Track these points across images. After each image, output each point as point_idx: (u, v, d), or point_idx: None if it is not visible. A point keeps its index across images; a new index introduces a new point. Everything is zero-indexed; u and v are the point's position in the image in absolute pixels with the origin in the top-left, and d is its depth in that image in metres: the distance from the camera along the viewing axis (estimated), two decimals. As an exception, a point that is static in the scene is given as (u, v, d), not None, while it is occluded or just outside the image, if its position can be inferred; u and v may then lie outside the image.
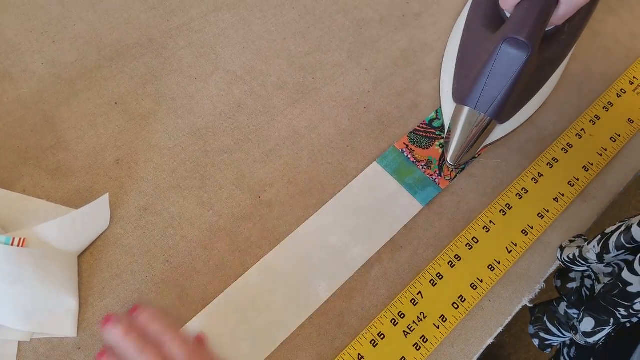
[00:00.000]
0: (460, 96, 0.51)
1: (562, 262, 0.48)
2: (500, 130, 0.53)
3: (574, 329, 0.52)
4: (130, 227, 0.48)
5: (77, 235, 0.45)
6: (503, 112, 0.49)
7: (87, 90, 0.53)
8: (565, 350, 0.64)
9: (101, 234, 0.47)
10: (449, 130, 0.52)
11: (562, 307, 0.60)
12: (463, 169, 0.53)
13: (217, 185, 0.50)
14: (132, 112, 0.53)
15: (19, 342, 0.43)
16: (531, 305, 0.51)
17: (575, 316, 0.57)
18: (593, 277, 0.50)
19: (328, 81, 0.56)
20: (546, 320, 0.62)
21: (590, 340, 0.47)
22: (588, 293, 0.53)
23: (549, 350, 0.65)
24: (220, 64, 0.56)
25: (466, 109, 0.50)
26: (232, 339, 0.45)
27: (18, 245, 0.40)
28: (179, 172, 0.51)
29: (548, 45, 0.51)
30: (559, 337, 0.61)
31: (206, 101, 0.54)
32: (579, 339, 0.50)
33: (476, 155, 0.53)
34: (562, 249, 0.49)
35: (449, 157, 0.51)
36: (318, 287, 0.47)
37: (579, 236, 0.51)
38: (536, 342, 0.65)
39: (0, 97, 0.52)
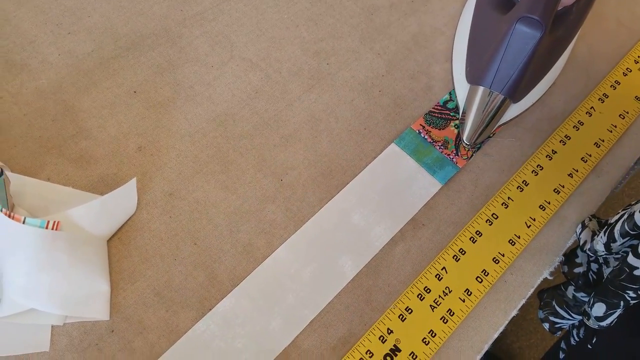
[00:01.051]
0: (475, 77, 0.52)
1: (579, 240, 0.50)
2: (513, 110, 0.54)
3: (585, 315, 0.53)
4: (156, 212, 0.48)
5: (107, 219, 0.45)
6: (517, 91, 0.51)
7: (105, 80, 0.54)
8: (574, 332, 0.65)
9: (128, 220, 0.48)
10: (464, 111, 0.53)
11: (570, 291, 0.61)
12: (479, 148, 0.54)
13: (240, 169, 0.51)
14: (151, 100, 0.53)
15: (52, 326, 0.43)
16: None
17: (584, 299, 0.59)
18: (601, 260, 0.51)
19: (342, 66, 0.57)
20: (555, 305, 0.63)
21: (603, 323, 0.48)
22: (595, 277, 0.55)
23: (559, 333, 0.66)
24: (235, 52, 0.57)
25: (481, 89, 0.51)
26: (263, 317, 0.45)
27: (52, 229, 0.40)
28: (201, 158, 0.51)
29: (558, 25, 0.52)
30: (569, 319, 0.63)
31: (224, 88, 0.55)
32: (592, 323, 0.51)
33: (491, 135, 0.54)
34: (583, 225, 0.50)
35: (465, 137, 0.52)
36: (344, 265, 0.48)
37: (594, 216, 0.52)
38: (546, 326, 0.66)
39: (19, 88, 0.52)
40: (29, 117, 0.51)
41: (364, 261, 0.48)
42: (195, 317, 0.45)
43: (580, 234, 0.50)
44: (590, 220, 0.51)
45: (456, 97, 0.56)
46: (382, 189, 0.51)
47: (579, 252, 0.57)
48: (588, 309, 0.51)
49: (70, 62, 0.54)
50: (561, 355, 0.73)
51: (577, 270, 0.57)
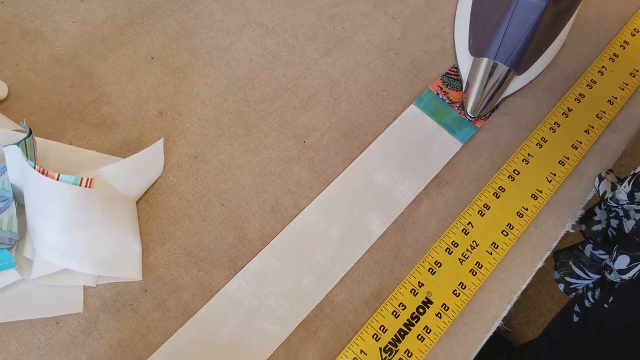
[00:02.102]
0: (479, 48, 0.53)
1: (598, 192, 0.50)
2: (517, 82, 0.55)
3: (607, 268, 0.54)
4: (182, 175, 0.48)
5: (137, 178, 0.45)
6: (522, 62, 0.52)
7: (121, 47, 0.53)
8: (589, 294, 0.66)
9: (154, 183, 0.47)
10: (468, 84, 0.53)
11: (588, 249, 0.62)
12: (497, 108, 0.54)
13: (262, 132, 0.51)
14: (169, 66, 0.53)
15: (85, 288, 0.43)
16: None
17: (602, 257, 0.60)
18: (621, 214, 0.52)
19: (357, 30, 0.57)
20: (572, 264, 0.64)
21: (626, 276, 0.49)
22: (615, 233, 0.55)
23: (573, 294, 0.67)
24: (250, 18, 0.56)
25: (484, 61, 0.52)
26: (294, 275, 0.45)
27: (86, 186, 0.40)
28: (223, 122, 0.51)
29: None
30: (585, 279, 0.64)
31: (241, 53, 0.54)
32: (613, 277, 0.52)
33: (495, 107, 0.54)
34: (600, 178, 0.51)
35: (469, 110, 0.53)
36: (371, 223, 0.48)
37: (611, 170, 0.53)
38: (561, 287, 0.67)
39: (34, 56, 0.51)
40: (47, 84, 0.50)
41: (390, 219, 0.49)
42: (227, 275, 0.45)
43: (598, 186, 0.51)
44: (608, 173, 0.51)
45: (460, 70, 0.56)
46: (404, 149, 0.52)
47: (597, 209, 0.58)
48: (610, 263, 0.52)
49: (84, 30, 0.53)
50: (575, 318, 0.74)
51: (595, 228, 0.58)
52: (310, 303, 0.45)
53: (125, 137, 0.49)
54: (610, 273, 0.53)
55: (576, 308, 0.74)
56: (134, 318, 0.42)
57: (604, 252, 0.59)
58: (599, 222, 0.58)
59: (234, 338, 0.42)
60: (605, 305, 0.65)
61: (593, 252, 0.61)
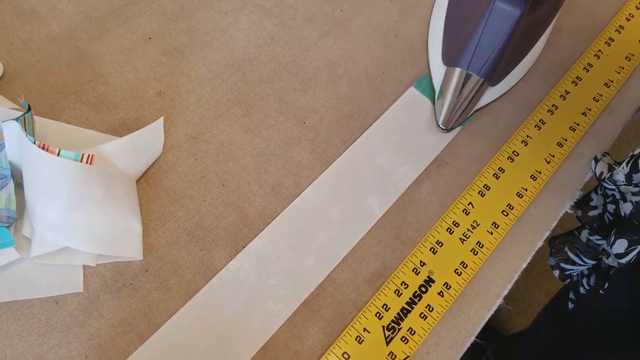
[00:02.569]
0: (452, 58, 0.50)
1: (595, 173, 0.51)
2: (492, 93, 0.52)
3: (604, 253, 0.54)
4: (182, 155, 0.47)
5: (136, 157, 0.44)
6: (495, 73, 0.49)
7: (118, 27, 0.52)
8: (584, 280, 0.66)
9: (154, 163, 0.47)
10: (440, 94, 0.51)
11: (584, 235, 0.62)
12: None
13: (262, 113, 0.51)
14: (167, 47, 0.52)
15: (84, 267, 0.42)
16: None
17: (598, 242, 0.60)
18: (618, 197, 0.52)
19: (356, 13, 0.57)
20: (567, 251, 0.64)
21: (623, 260, 0.50)
22: (611, 218, 0.56)
23: (569, 280, 0.68)
24: (248, -1, 0.56)
25: (457, 71, 0.50)
26: (296, 254, 0.45)
27: (87, 162, 0.39)
28: (222, 102, 0.50)
29: (538, 4, 0.50)
30: (581, 265, 0.64)
31: (239, 34, 0.54)
32: (611, 261, 0.52)
33: (468, 118, 0.53)
34: (596, 160, 0.51)
35: (440, 121, 0.51)
36: (372, 204, 0.48)
37: (607, 153, 0.53)
38: (557, 273, 0.67)
39: (29, 35, 0.51)
40: (43, 64, 0.50)
41: (391, 200, 0.49)
42: (229, 255, 0.44)
43: (595, 167, 0.51)
44: (604, 155, 0.52)
45: (432, 77, 0.54)
46: (404, 131, 0.52)
47: (593, 195, 0.58)
48: (607, 247, 0.52)
49: (80, 9, 0.53)
50: (570, 306, 0.74)
51: (591, 213, 0.58)
52: (313, 282, 0.44)
53: (123, 117, 0.48)
54: (607, 257, 0.53)
55: (571, 295, 0.74)
56: (135, 297, 0.42)
57: (600, 238, 0.59)
58: (595, 207, 0.58)
59: (236, 317, 0.42)
60: (601, 292, 0.65)
61: (589, 237, 0.61)
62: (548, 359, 0.91)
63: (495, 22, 0.46)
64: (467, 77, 0.50)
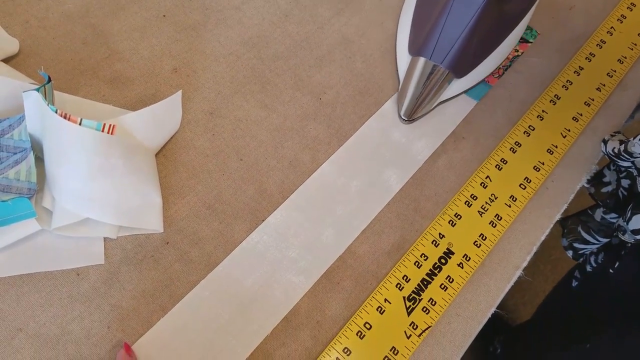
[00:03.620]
0: (416, 47, 0.49)
1: (607, 155, 0.51)
2: (458, 86, 0.51)
3: (620, 229, 0.54)
4: (199, 130, 0.47)
5: (156, 129, 0.44)
6: (459, 64, 0.48)
7: (132, 4, 0.52)
8: (592, 258, 0.66)
9: (171, 138, 0.47)
10: (403, 83, 0.50)
11: (599, 214, 0.62)
12: (509, 66, 0.55)
13: (277, 89, 0.50)
14: (181, 24, 0.52)
15: (105, 240, 0.42)
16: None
17: (613, 220, 0.60)
18: (635, 173, 0.52)
19: (369, -9, 0.57)
20: (580, 230, 0.64)
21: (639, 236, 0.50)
22: (625, 194, 0.56)
23: (582, 259, 0.67)
24: (261, -22, 0.56)
25: (421, 61, 0.49)
26: (315, 227, 0.45)
27: (108, 132, 0.39)
28: (238, 79, 0.50)
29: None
30: (594, 244, 0.64)
31: (253, 12, 0.54)
32: (627, 237, 0.52)
33: (431, 109, 0.51)
34: (605, 142, 0.51)
35: (402, 111, 0.49)
36: (389, 179, 0.48)
37: (617, 132, 0.53)
38: (570, 253, 0.67)
39: (45, 13, 0.50)
40: (58, 41, 0.49)
41: (408, 174, 0.49)
42: (249, 228, 0.44)
43: (605, 148, 0.51)
44: (613, 135, 0.52)
45: (397, 67, 0.53)
46: (420, 106, 0.51)
47: (605, 171, 0.58)
48: (624, 224, 0.52)
49: (94, -12, 0.53)
50: (574, 284, 0.74)
51: (605, 190, 0.58)
52: (332, 255, 0.44)
53: (140, 93, 0.48)
54: (623, 234, 0.53)
55: (576, 273, 0.74)
56: (156, 269, 0.42)
57: (616, 216, 0.59)
58: (609, 183, 0.58)
59: (257, 289, 0.42)
60: (611, 271, 0.65)
61: (604, 216, 0.61)
62: (555, 345, 0.91)
63: (459, 10, 0.45)
64: (432, 68, 0.48)
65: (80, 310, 0.40)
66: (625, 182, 0.55)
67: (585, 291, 0.76)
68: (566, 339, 0.86)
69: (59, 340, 0.39)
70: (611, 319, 0.67)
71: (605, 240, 0.63)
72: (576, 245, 0.66)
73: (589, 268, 0.68)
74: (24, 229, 0.39)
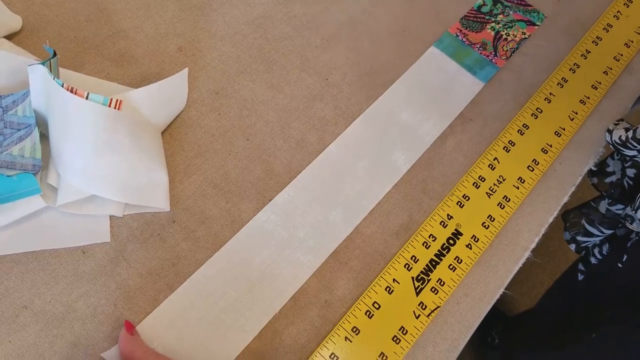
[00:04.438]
0: None
1: (613, 144, 0.50)
2: None
3: (627, 218, 0.54)
4: (205, 110, 0.47)
5: (162, 105, 0.43)
6: None
7: (136, -17, 0.51)
8: (596, 250, 0.66)
9: (177, 117, 0.46)
10: None
11: (603, 205, 0.61)
12: (517, 48, 0.54)
13: (284, 69, 0.50)
14: (186, 2, 0.51)
15: (111, 218, 0.41)
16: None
17: (619, 212, 0.59)
18: None
19: (375, -28, 0.56)
20: (584, 223, 0.64)
21: None
22: (631, 183, 0.55)
23: (584, 252, 0.67)
24: (267, -42, 0.55)
25: None
26: (323, 207, 0.44)
27: (115, 107, 0.38)
28: (244, 59, 0.50)
29: None
30: (598, 236, 0.63)
31: (259, -8, 0.53)
32: (635, 226, 0.52)
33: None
34: (610, 131, 0.51)
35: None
36: (397, 159, 0.48)
37: (621, 120, 0.53)
38: (573, 247, 0.67)
39: (47, -10, 0.50)
40: (61, 18, 0.49)
41: (416, 155, 0.48)
42: (256, 208, 0.44)
43: (611, 137, 0.50)
44: (617, 124, 0.51)
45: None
46: (427, 89, 0.51)
47: (609, 160, 0.58)
48: (632, 212, 0.52)
49: (98, -34, 0.52)
50: (580, 277, 0.74)
51: (608, 180, 0.58)
52: (341, 234, 0.44)
53: (144, 71, 0.47)
54: (631, 223, 0.53)
55: (580, 266, 0.74)
56: (163, 248, 0.41)
57: (621, 207, 0.58)
58: (613, 173, 0.57)
59: (265, 268, 0.41)
60: (619, 265, 0.65)
61: (609, 207, 0.60)
62: (554, 337, 0.91)
63: None
64: None
65: (86, 288, 0.39)
66: (630, 172, 0.55)
67: (591, 285, 0.76)
68: (565, 333, 0.86)
69: (65, 318, 0.38)
70: (619, 312, 0.67)
71: (609, 232, 0.63)
72: (579, 238, 0.66)
73: (593, 260, 0.68)
74: (29, 205, 0.39)
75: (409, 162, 0.48)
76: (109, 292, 0.39)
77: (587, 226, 0.63)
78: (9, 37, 0.46)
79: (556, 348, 0.82)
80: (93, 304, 0.39)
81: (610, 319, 0.70)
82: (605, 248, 0.65)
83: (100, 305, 0.39)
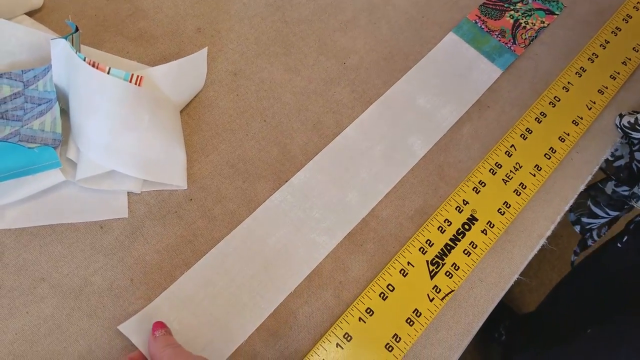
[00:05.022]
0: None
1: (621, 127, 0.50)
2: None
3: (634, 197, 0.54)
4: (223, 91, 0.47)
5: (181, 83, 0.43)
6: None
7: (156, -36, 0.52)
8: (595, 232, 0.66)
9: (195, 97, 0.46)
10: None
11: (610, 187, 0.61)
12: (536, 37, 0.54)
13: (302, 52, 0.50)
14: (206, -16, 0.51)
15: (129, 194, 0.42)
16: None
17: (624, 193, 0.59)
18: None
19: (395, -42, 0.56)
20: (590, 204, 0.64)
21: None
22: None
23: (588, 234, 0.67)
24: (286, -58, 0.55)
25: None
26: (339, 189, 0.44)
27: (136, 84, 0.39)
28: (262, 41, 0.50)
29: None
30: (604, 217, 0.63)
31: (278, -25, 0.53)
32: None
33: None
34: (621, 116, 0.50)
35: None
36: (414, 144, 0.48)
37: (637, 112, 0.53)
38: (577, 228, 0.66)
39: (68, -31, 0.50)
40: (82, -3, 0.49)
41: (432, 140, 0.48)
42: (272, 188, 0.44)
43: (620, 121, 0.50)
44: (630, 114, 0.51)
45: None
46: (444, 75, 0.51)
47: (617, 144, 0.58)
48: (638, 190, 0.52)
49: (118, -54, 0.52)
50: (573, 258, 0.74)
51: (617, 163, 0.58)
52: (356, 216, 0.44)
53: (163, 51, 0.48)
54: (637, 201, 0.53)
55: (576, 248, 0.73)
56: (180, 225, 0.41)
57: (627, 189, 0.58)
58: (621, 157, 0.57)
59: (281, 247, 0.42)
60: (619, 245, 0.64)
61: (615, 189, 0.60)
62: (563, 330, 0.91)
63: None
64: None
65: (103, 263, 0.39)
66: (639, 155, 0.55)
67: (586, 267, 0.75)
68: (569, 331, 0.86)
69: (82, 291, 0.38)
70: (619, 297, 0.66)
71: (615, 213, 0.63)
72: (584, 219, 0.66)
73: (590, 242, 0.67)
74: (48, 179, 0.39)
75: (425, 147, 0.48)
76: (125, 267, 0.39)
77: (592, 207, 0.63)
78: (30, 14, 0.47)
79: (549, 347, 0.82)
80: (110, 278, 0.39)
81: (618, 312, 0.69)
82: (604, 230, 0.65)
83: (116, 280, 0.39)
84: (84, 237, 0.40)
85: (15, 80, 0.42)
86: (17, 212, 0.39)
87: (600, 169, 0.57)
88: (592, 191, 0.63)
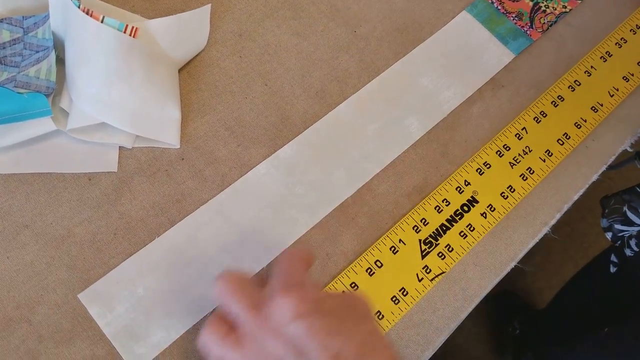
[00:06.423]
0: None
1: None
2: None
3: None
4: (226, 51, 0.46)
5: (181, 40, 0.42)
6: None
7: None
8: (632, 242, 0.63)
9: (196, 55, 0.45)
10: None
11: None
12: (555, 22, 0.51)
13: (311, 17, 0.48)
14: (219, -57, 0.50)
15: (120, 149, 0.41)
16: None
17: None
18: None
19: None
20: (626, 210, 0.60)
21: None
22: None
23: (619, 242, 0.64)
24: None
25: None
26: (326, 167, 0.43)
27: (130, 35, 0.38)
28: (271, 2, 0.48)
29: None
30: (639, 225, 0.60)
31: (295, -63, 0.51)
32: None
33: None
34: None
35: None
36: (411, 125, 0.46)
37: None
38: (609, 235, 0.63)
39: None
40: (92, -52, 0.48)
41: (431, 123, 0.46)
42: (266, 154, 0.43)
43: None
44: None
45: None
46: (452, 55, 0.49)
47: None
48: None
49: None
50: (613, 269, 0.71)
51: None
52: (340, 196, 0.42)
53: (169, 6, 0.47)
54: None
55: (613, 258, 0.71)
56: (169, 184, 0.41)
57: None
58: None
59: (261, 220, 0.40)
60: None
61: None
62: (578, 328, 0.89)
63: None
64: None
65: (88, 215, 0.39)
66: None
67: (625, 277, 0.72)
68: (585, 326, 0.83)
69: (64, 241, 0.38)
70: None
71: None
72: (617, 226, 0.63)
73: (628, 252, 0.64)
74: (39, 126, 0.39)
75: (422, 129, 0.46)
76: (110, 221, 0.39)
77: (629, 214, 0.60)
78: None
79: (563, 344, 0.80)
80: (93, 231, 0.39)
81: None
82: None
83: (100, 233, 0.39)
84: (71, 188, 0.40)
85: (16, 26, 0.41)
86: (7, 158, 0.39)
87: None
88: (628, 196, 0.60)
